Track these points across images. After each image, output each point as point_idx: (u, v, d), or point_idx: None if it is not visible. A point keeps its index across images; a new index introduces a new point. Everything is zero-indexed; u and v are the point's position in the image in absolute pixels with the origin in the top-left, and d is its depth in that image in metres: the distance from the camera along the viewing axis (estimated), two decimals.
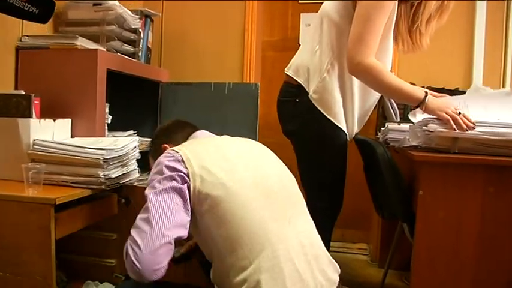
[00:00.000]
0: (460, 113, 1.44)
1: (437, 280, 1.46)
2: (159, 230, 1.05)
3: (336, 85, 1.66)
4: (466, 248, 1.43)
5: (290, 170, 1.85)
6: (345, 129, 1.70)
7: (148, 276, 1.04)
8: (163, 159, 1.16)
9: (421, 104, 1.51)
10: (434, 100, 1.51)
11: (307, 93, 1.68)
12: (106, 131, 1.95)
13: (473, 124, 1.43)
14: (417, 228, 1.44)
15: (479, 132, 1.43)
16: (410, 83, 1.82)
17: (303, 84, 1.70)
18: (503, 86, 2.66)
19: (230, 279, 1.08)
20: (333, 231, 1.81)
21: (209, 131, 1.44)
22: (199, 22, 2.90)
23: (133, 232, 1.07)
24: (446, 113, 1.45)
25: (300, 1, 3.05)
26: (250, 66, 2.79)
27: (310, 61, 1.71)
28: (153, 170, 1.17)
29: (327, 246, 1.79)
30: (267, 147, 1.42)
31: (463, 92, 2.44)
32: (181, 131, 1.41)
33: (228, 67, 2.84)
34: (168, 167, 1.13)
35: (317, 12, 1.80)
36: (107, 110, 1.96)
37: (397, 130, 1.76)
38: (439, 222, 1.43)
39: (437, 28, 1.70)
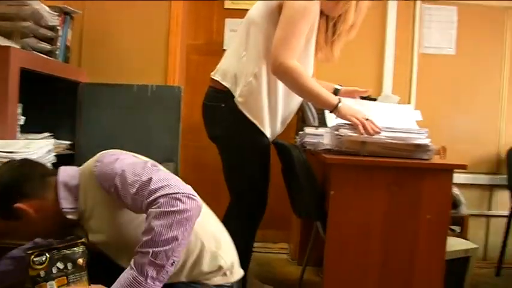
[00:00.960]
0: (367, 119, 1.58)
1: (348, 273, 1.58)
2: (175, 181, 1.06)
3: (262, 89, 1.72)
4: (373, 242, 1.56)
5: (215, 173, 1.90)
6: (268, 133, 1.77)
7: (197, 214, 1.03)
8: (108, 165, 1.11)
9: (334, 109, 1.63)
10: (346, 107, 1.63)
11: (234, 98, 1.72)
12: (18, 133, 1.85)
13: (379, 129, 1.56)
14: (329, 225, 1.54)
15: (384, 137, 1.57)
16: (339, 84, 1.97)
17: (230, 89, 1.74)
18: (410, 94, 2.93)
19: (204, 261, 1.17)
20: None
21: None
22: (123, 22, 2.83)
23: (150, 193, 1.02)
24: (356, 118, 1.58)
25: (225, 6, 3.10)
26: (174, 69, 2.78)
27: (236, 66, 1.75)
28: (113, 174, 1.09)
29: (251, 246, 1.86)
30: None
31: (375, 99, 2.65)
32: (30, 180, 1.15)
33: (151, 69, 2.80)
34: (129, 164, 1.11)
35: (242, 18, 1.85)
36: (19, 110, 1.86)
37: (312, 134, 1.87)
38: (348, 219, 1.55)
39: (347, 42, 1.86)
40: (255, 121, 1.72)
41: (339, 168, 1.54)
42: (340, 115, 1.63)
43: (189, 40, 3.10)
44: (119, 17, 2.84)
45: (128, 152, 1.22)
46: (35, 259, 1.11)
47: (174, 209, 0.99)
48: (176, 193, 1.01)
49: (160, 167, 1.16)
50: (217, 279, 1.20)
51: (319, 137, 1.80)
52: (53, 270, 1.12)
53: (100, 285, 1.10)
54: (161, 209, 0.99)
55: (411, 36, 2.95)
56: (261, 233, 3.04)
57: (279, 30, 1.62)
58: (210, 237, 1.20)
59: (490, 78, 3.02)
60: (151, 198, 1.01)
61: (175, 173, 2.27)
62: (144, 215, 1.04)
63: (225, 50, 2.91)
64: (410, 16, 2.94)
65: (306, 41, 1.70)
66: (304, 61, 1.74)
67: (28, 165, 1.19)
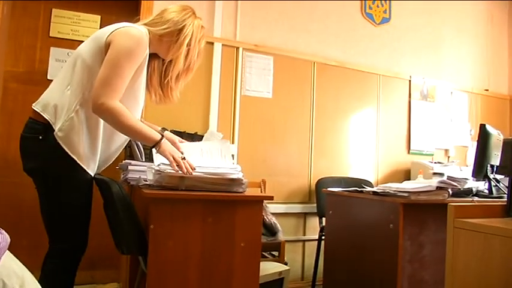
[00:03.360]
0: (184, 158, 1.70)
1: None
2: None
3: (83, 125, 1.70)
4: (191, 272, 1.64)
5: (35, 212, 1.78)
6: (88, 168, 1.74)
7: (5, 248, 1.09)
8: None
9: (156, 145, 1.71)
10: (167, 145, 1.72)
11: (53, 131, 1.68)
12: None
13: (194, 168, 1.70)
14: (149, 259, 1.58)
15: (201, 173, 1.70)
16: (163, 128, 2.04)
17: (50, 121, 1.69)
18: (233, 131, 3.21)
19: None
20: (79, 274, 1.80)
21: None
22: None
23: None
24: (173, 157, 1.68)
25: (50, 34, 2.96)
26: None
27: (59, 99, 1.71)
28: None
29: None
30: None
31: (201, 136, 2.83)
32: None
33: None
34: None
35: (68, 47, 1.84)
36: None
37: (136, 170, 1.91)
38: (168, 251, 1.61)
39: (185, 84, 1.98)
40: (74, 156, 1.69)
41: (158, 202, 1.60)
42: (160, 151, 1.71)
43: (8, 67, 2.86)
44: None
45: None
46: None
47: None
48: None
49: None
50: None
51: (141, 172, 1.85)
52: None
53: None
54: None
55: (234, 80, 3.27)
56: (89, 275, 2.92)
57: (102, 70, 1.64)
58: (12, 275, 1.15)
59: (301, 119, 3.50)
60: None
61: None
62: None
63: (49, 79, 2.79)
64: (234, 62, 3.28)
65: (133, 82, 1.75)
66: (131, 102, 1.78)
67: None
